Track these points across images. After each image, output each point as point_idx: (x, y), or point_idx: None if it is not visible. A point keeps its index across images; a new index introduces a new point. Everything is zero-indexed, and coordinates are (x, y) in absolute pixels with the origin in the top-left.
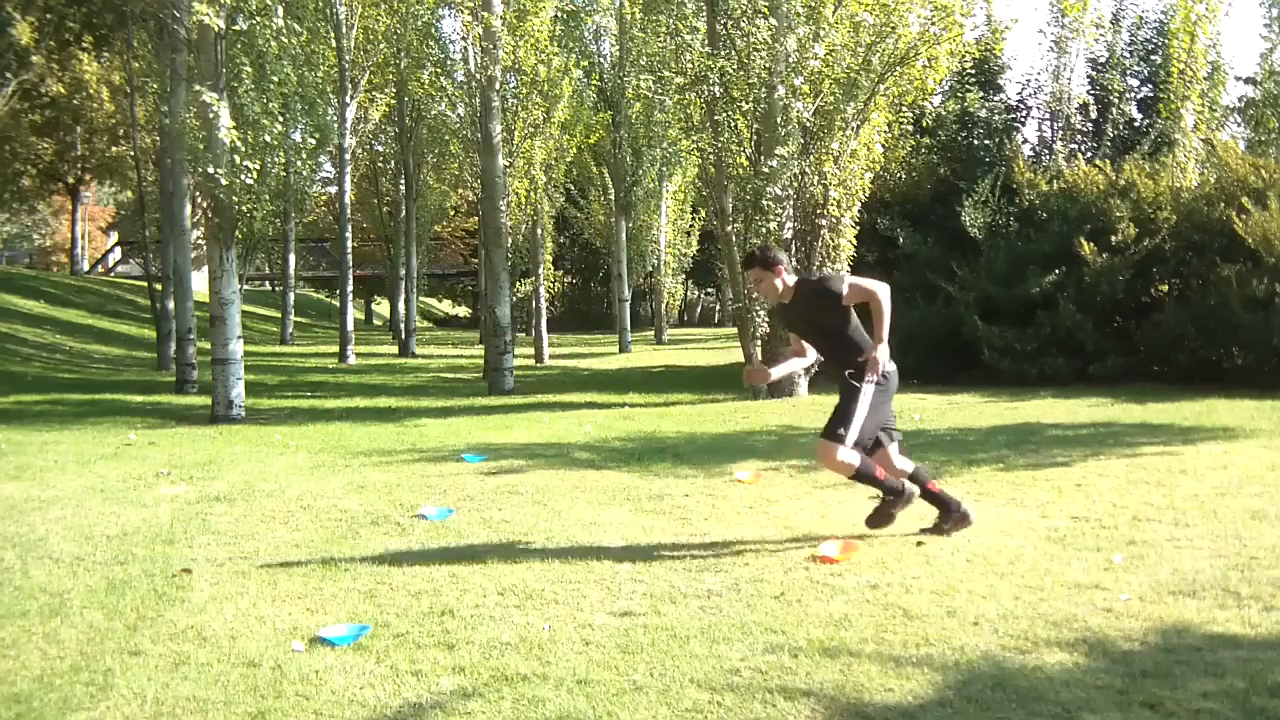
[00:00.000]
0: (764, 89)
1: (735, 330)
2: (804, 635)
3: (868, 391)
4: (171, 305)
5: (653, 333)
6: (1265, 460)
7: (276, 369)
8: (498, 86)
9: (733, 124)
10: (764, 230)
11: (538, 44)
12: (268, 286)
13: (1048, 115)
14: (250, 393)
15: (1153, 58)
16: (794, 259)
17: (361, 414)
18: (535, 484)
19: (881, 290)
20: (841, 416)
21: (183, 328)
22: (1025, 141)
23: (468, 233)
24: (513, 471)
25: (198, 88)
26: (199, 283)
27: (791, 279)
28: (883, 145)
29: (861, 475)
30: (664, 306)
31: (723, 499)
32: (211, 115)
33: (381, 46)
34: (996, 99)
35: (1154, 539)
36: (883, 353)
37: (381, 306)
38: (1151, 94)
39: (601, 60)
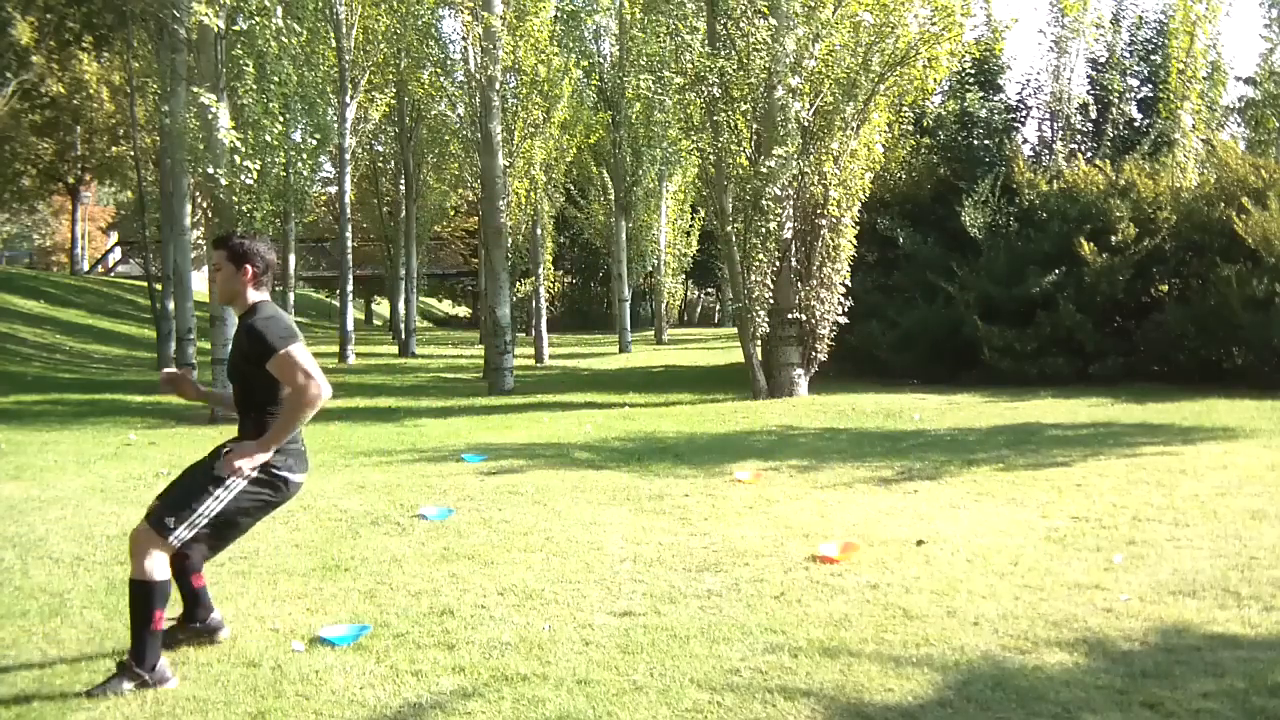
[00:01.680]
0: (763, 89)
1: (735, 330)
2: (804, 635)
3: (232, 490)
4: (171, 305)
5: (653, 333)
6: (1265, 460)
7: None
8: (498, 86)
9: (733, 124)
10: (764, 230)
11: (538, 44)
12: None
13: (1048, 115)
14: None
15: (1152, 58)
16: (794, 259)
17: (361, 414)
18: (535, 484)
19: (315, 390)
20: (180, 502)
21: (183, 328)
22: (1025, 141)
23: (468, 233)
24: (513, 471)
25: (195, 89)
26: (199, 283)
27: (257, 295)
28: (883, 145)
29: (145, 605)
30: (664, 306)
31: (723, 499)
32: (210, 116)
33: (381, 46)
34: (996, 99)
35: (1154, 539)
36: (258, 454)
37: (381, 306)
38: (1151, 94)
39: (601, 60)
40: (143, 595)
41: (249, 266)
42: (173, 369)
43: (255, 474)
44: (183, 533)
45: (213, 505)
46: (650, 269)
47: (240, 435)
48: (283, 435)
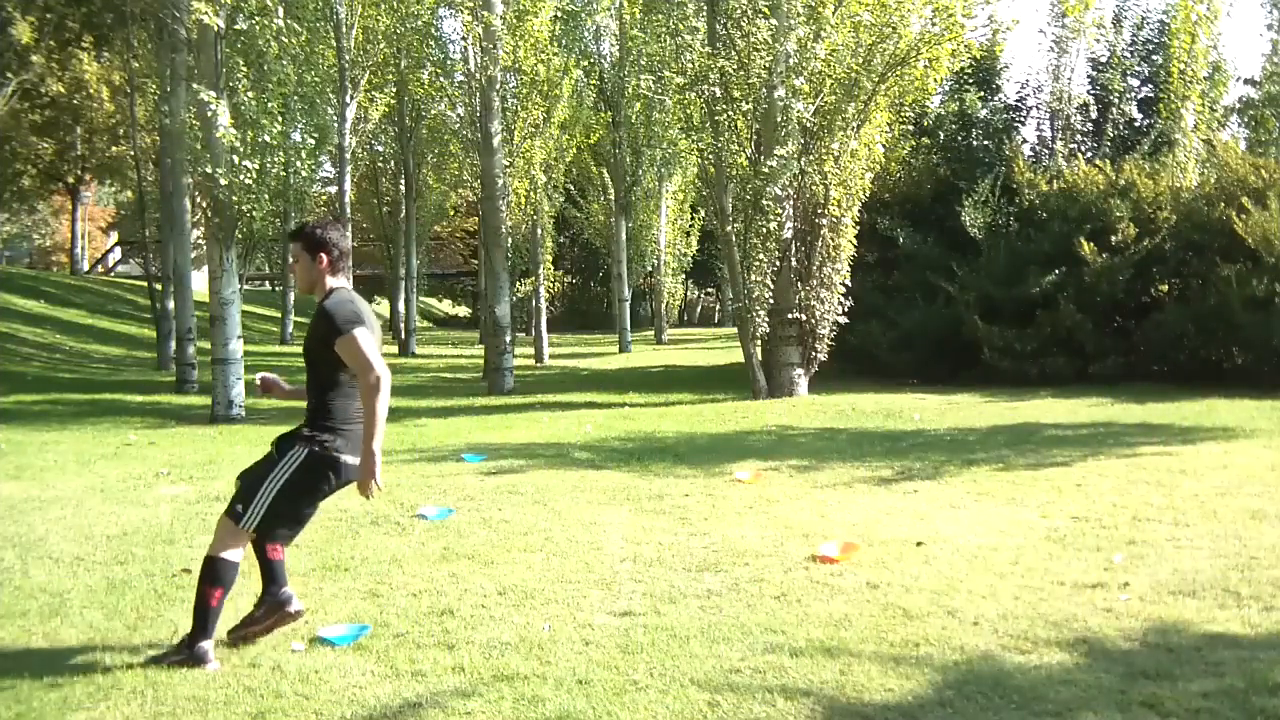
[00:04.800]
0: (764, 89)
1: (735, 330)
2: (804, 635)
3: (293, 463)
4: (171, 305)
5: (653, 333)
6: (1265, 460)
7: (276, 369)
8: (498, 86)
9: (733, 124)
10: (764, 230)
11: (537, 44)
12: (268, 286)
13: (1048, 115)
14: (250, 392)
15: (1153, 58)
16: (794, 259)
17: None
18: (535, 484)
19: (374, 379)
20: (251, 488)
21: (183, 327)
22: (1025, 141)
23: (468, 233)
24: (513, 471)
25: (196, 86)
26: (199, 283)
27: (334, 282)
28: (883, 145)
29: (208, 582)
30: (664, 306)
31: (723, 499)
32: (210, 114)
33: (381, 46)
34: (996, 99)
35: (1154, 539)
36: (370, 462)
37: (381, 306)
38: (1152, 94)
39: (601, 60)
40: (200, 596)
41: (323, 254)
42: (268, 374)
43: (304, 456)
44: (252, 514)
45: (274, 485)
46: (650, 269)
47: (307, 418)
48: (376, 432)
